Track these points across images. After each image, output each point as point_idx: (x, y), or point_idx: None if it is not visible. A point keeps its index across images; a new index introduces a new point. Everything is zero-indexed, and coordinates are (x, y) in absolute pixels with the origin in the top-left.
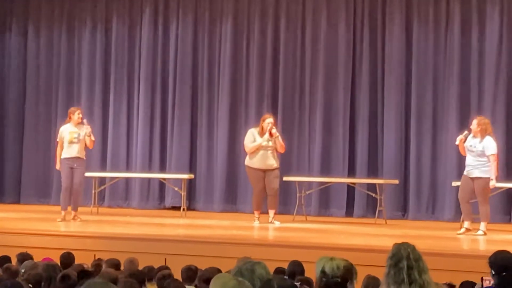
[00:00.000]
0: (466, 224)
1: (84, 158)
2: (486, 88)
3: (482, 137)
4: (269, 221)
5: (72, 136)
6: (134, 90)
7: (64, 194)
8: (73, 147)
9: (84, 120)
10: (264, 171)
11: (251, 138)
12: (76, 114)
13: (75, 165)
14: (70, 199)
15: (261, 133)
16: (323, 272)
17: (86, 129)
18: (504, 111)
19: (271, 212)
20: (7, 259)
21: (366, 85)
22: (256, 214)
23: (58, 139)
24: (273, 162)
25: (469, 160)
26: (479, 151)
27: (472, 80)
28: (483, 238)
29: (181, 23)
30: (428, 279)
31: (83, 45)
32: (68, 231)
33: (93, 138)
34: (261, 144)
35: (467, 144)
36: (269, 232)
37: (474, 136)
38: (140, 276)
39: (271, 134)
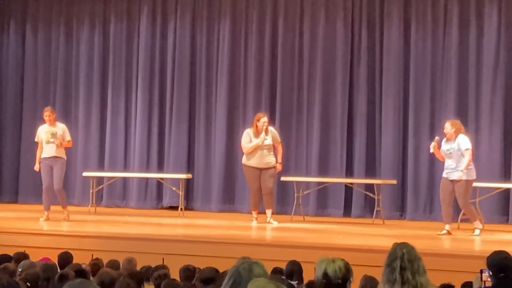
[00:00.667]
0: (448, 226)
1: (64, 157)
2: (484, 87)
3: (456, 137)
4: (267, 221)
5: (49, 136)
6: (132, 90)
7: (45, 194)
8: (50, 146)
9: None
10: (261, 170)
11: (248, 139)
12: (45, 115)
13: (53, 165)
14: (52, 199)
15: (256, 133)
16: (325, 274)
17: (62, 130)
18: (502, 111)
19: (268, 212)
20: (7, 258)
21: (364, 85)
22: (254, 214)
23: (36, 140)
24: (270, 160)
25: (449, 163)
26: (456, 150)
27: (470, 79)
28: (480, 238)
29: (179, 23)
30: (423, 282)
31: (81, 44)
32: (66, 231)
33: (67, 138)
34: (258, 144)
35: (443, 149)
36: (267, 232)
37: (448, 140)
38: (138, 276)
39: (267, 133)
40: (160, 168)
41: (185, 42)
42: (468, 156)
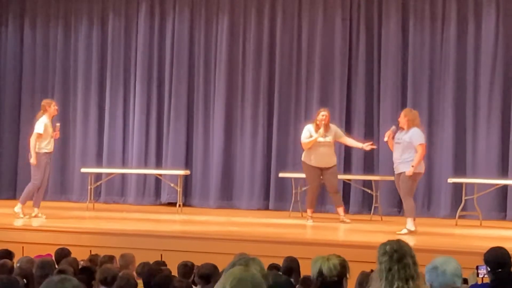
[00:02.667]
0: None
1: None
2: (482, 84)
3: (408, 128)
4: (340, 219)
5: (52, 129)
6: (130, 86)
7: (38, 191)
8: (53, 141)
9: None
10: (321, 169)
11: (307, 134)
12: (53, 106)
13: (50, 160)
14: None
15: (316, 129)
16: (320, 273)
17: (57, 123)
18: (500, 107)
19: (340, 210)
20: (7, 253)
21: (362, 81)
22: (309, 212)
23: (40, 131)
24: (331, 160)
25: (396, 155)
26: (405, 142)
27: (468, 76)
28: (478, 235)
29: (178, 19)
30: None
31: (79, 41)
32: (64, 227)
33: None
34: (317, 140)
35: (395, 137)
36: (265, 229)
37: (401, 129)
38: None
39: (325, 128)
40: (158, 164)
41: (183, 39)
42: (420, 152)
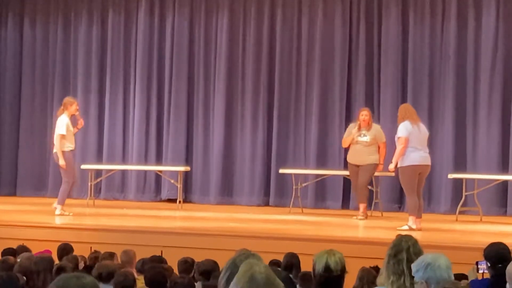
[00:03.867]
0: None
1: None
2: (482, 79)
3: (399, 122)
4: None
5: (72, 128)
6: (130, 82)
7: (71, 190)
8: (73, 138)
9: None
10: (358, 166)
11: (347, 132)
12: (74, 106)
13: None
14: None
15: (357, 127)
16: (327, 268)
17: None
18: (500, 102)
19: (361, 207)
20: (10, 251)
21: (363, 77)
22: (361, 208)
23: (63, 132)
24: (366, 158)
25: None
26: (396, 137)
27: (468, 71)
28: (478, 230)
29: (177, 15)
30: None
31: (79, 37)
32: (65, 223)
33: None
34: (353, 138)
35: None
36: (265, 225)
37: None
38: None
39: (362, 126)
40: (159, 160)
41: (183, 35)
42: (399, 145)
